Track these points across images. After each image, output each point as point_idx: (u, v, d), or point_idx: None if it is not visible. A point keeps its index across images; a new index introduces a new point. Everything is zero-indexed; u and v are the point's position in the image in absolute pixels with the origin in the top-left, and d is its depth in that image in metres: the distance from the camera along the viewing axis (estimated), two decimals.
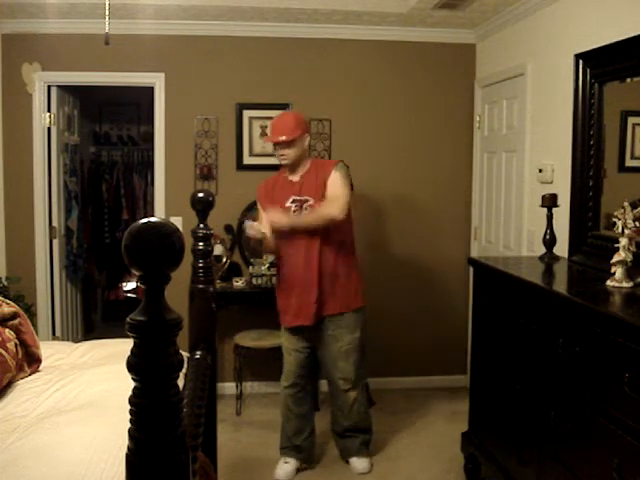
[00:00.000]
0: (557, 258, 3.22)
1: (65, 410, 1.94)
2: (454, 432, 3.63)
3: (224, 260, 4.50)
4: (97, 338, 3.01)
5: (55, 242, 4.67)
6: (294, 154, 3.33)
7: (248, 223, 3.36)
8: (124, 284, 6.91)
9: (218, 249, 4.37)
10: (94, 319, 6.40)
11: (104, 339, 2.90)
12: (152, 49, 4.47)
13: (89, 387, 2.13)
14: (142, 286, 1.05)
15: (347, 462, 3.60)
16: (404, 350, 4.79)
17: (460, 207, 4.81)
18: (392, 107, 4.71)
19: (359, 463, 3.54)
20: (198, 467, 1.75)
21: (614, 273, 2.49)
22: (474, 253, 4.70)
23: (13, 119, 4.44)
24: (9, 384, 2.18)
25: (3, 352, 2.13)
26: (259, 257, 4.50)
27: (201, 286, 2.48)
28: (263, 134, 4.59)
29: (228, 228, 4.60)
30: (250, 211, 4.51)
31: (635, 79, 2.83)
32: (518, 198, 4.02)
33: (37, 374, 2.33)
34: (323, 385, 4.20)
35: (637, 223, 2.45)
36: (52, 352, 2.58)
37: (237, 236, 4.63)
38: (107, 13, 2.91)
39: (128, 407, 1.07)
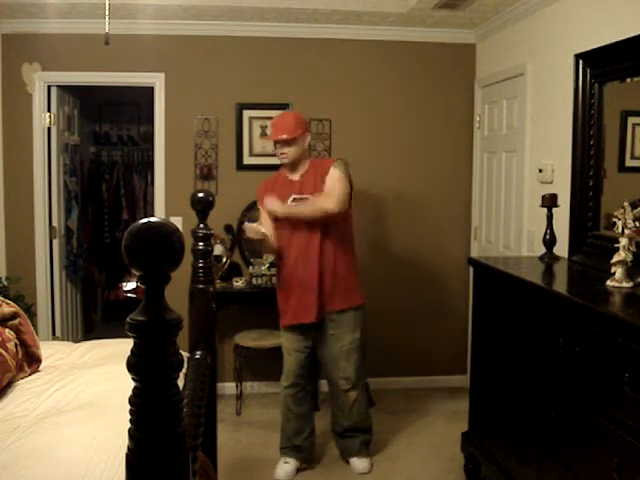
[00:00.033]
0: (557, 258, 3.22)
1: (65, 410, 1.94)
2: (454, 432, 3.63)
3: (224, 260, 4.50)
4: (97, 338, 3.02)
5: (55, 242, 4.67)
6: (294, 153, 3.34)
7: (247, 225, 3.38)
8: (124, 284, 6.91)
9: (218, 249, 4.37)
10: (94, 319, 6.40)
11: (104, 339, 2.90)
12: (152, 49, 4.47)
13: (89, 387, 2.13)
14: (142, 286, 1.05)
15: (347, 462, 3.60)
16: (404, 350, 4.79)
17: (460, 207, 4.81)
18: (392, 107, 4.71)
19: (359, 463, 3.54)
20: (198, 467, 1.75)
21: (614, 273, 2.49)
22: (474, 253, 4.70)
23: (13, 119, 4.44)
24: (9, 384, 2.18)
25: (3, 352, 2.13)
26: (259, 257, 4.50)
27: (201, 286, 2.48)
28: (263, 134, 4.60)
29: (228, 228, 4.60)
30: (250, 211, 4.51)
31: (635, 79, 2.83)
32: (518, 198, 4.02)
33: (37, 374, 2.33)
34: (323, 385, 4.20)
35: (637, 223, 2.45)
36: (52, 352, 2.58)
37: (237, 236, 4.63)
38: (107, 13, 2.91)
39: (128, 407, 1.07)
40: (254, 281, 4.43)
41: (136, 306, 1.07)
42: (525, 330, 2.71)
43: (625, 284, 2.45)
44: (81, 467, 1.56)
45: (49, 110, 4.53)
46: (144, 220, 1.05)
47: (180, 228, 1.08)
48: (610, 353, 2.10)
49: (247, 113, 4.60)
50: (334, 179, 3.30)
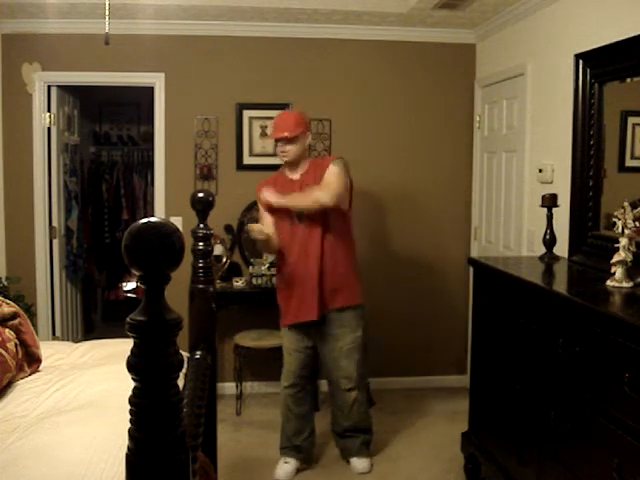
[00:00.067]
0: (557, 258, 3.22)
1: (65, 410, 1.94)
2: (454, 432, 3.63)
3: (224, 260, 4.50)
4: (97, 338, 3.01)
5: (55, 242, 4.67)
6: (295, 151, 3.35)
7: (251, 225, 3.39)
8: (124, 284, 6.91)
9: (218, 249, 4.37)
10: (94, 319, 6.40)
11: (104, 339, 2.90)
12: (152, 49, 4.47)
13: (89, 387, 2.13)
14: (142, 286, 1.05)
15: (348, 462, 3.60)
16: (404, 350, 4.79)
17: (460, 207, 4.81)
18: (392, 107, 4.71)
19: (359, 463, 3.54)
20: (198, 467, 1.75)
21: (614, 273, 2.49)
22: (474, 253, 4.70)
23: (13, 119, 4.44)
24: (9, 384, 2.18)
25: (3, 352, 2.13)
26: (259, 257, 4.50)
27: (201, 286, 2.48)
28: (263, 134, 4.60)
29: (228, 228, 4.60)
30: (250, 211, 4.52)
31: (635, 79, 2.83)
32: (518, 198, 4.02)
33: (37, 374, 2.33)
34: (323, 385, 4.20)
35: (637, 223, 2.45)
36: (52, 352, 2.58)
37: (237, 236, 4.63)
38: (107, 13, 2.91)
39: (128, 407, 1.07)
40: (254, 281, 4.43)
41: (136, 306, 1.07)
42: (525, 330, 2.71)
43: (625, 284, 2.45)
44: (81, 467, 1.56)
45: (49, 110, 4.53)
46: (144, 220, 1.05)
47: (180, 228, 1.08)
48: (610, 353, 2.10)
49: (247, 113, 4.60)
50: (331, 174, 3.31)
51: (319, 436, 3.74)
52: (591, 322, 2.22)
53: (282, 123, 3.37)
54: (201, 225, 2.43)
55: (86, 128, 6.31)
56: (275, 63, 4.59)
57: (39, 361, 2.39)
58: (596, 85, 3.06)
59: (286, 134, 3.31)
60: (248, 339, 4.36)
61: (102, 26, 2.96)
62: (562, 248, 3.24)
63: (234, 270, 4.57)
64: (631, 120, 2.99)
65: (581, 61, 3.14)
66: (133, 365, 1.05)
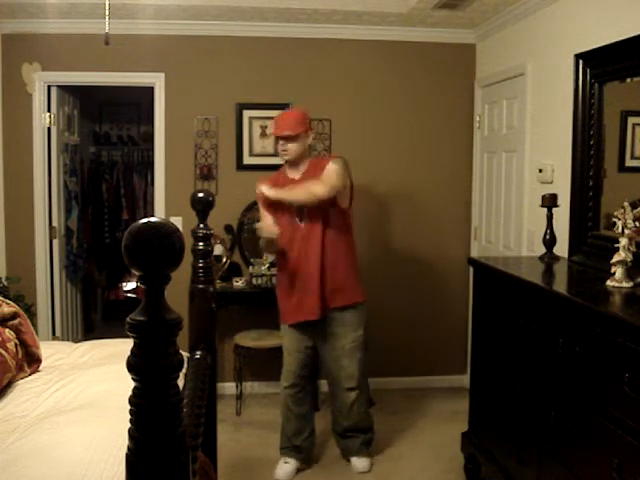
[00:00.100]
0: (557, 258, 3.22)
1: (65, 410, 1.94)
2: (454, 432, 3.63)
3: (224, 260, 4.50)
4: (97, 338, 3.01)
5: (55, 242, 4.67)
6: (296, 150, 3.35)
7: (261, 224, 3.35)
8: (124, 284, 6.91)
9: (218, 249, 4.37)
10: (94, 319, 6.40)
11: (104, 339, 2.90)
12: (152, 49, 4.47)
13: (89, 387, 2.13)
14: (142, 286, 1.05)
15: (348, 461, 3.60)
16: (404, 350, 4.79)
17: (460, 207, 4.81)
18: (392, 107, 4.71)
19: (359, 462, 3.55)
20: (198, 467, 1.75)
21: (614, 273, 2.49)
22: (474, 253, 4.70)
23: (13, 119, 4.44)
24: (9, 384, 2.18)
25: (3, 352, 2.13)
26: (259, 257, 4.50)
27: (201, 286, 2.47)
28: (263, 134, 4.60)
29: (228, 228, 4.60)
30: (250, 211, 4.52)
31: (635, 79, 2.83)
32: (518, 198, 4.02)
33: (37, 374, 2.33)
34: (323, 385, 4.20)
35: (637, 223, 2.45)
36: (52, 352, 2.58)
37: (237, 236, 4.63)
38: (107, 13, 2.91)
39: (128, 407, 1.07)
40: (254, 281, 4.43)
41: (136, 306, 1.07)
42: (525, 330, 2.71)
43: (625, 284, 2.45)
44: (81, 467, 1.56)
45: (49, 110, 4.53)
46: (144, 220, 1.05)
47: (180, 228, 1.08)
48: (610, 353, 2.10)
49: (247, 113, 4.60)
50: (329, 170, 3.30)
51: (319, 436, 3.74)
52: (591, 322, 2.22)
53: (284, 121, 3.37)
54: (201, 225, 2.43)
55: (86, 128, 6.31)
56: (275, 63, 4.59)
57: (39, 361, 2.39)
58: (596, 85, 3.06)
59: (288, 132, 3.31)
60: (248, 339, 4.36)
61: (102, 26, 2.96)
62: (562, 248, 3.24)
63: (234, 270, 4.57)
64: (631, 120, 2.99)
65: (581, 61, 3.14)
66: (133, 365, 1.05)
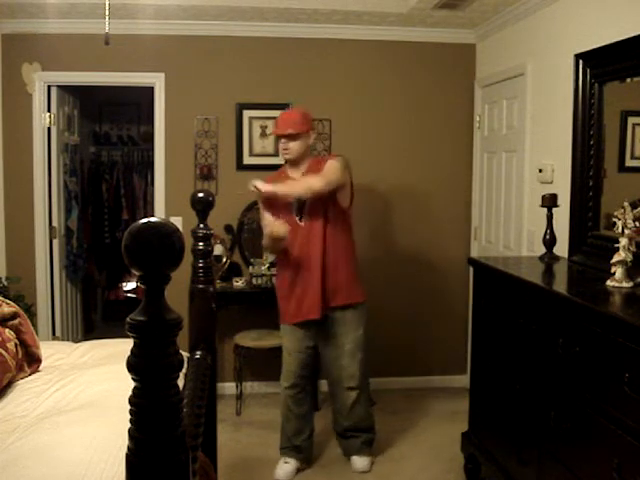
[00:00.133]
0: (557, 258, 3.22)
1: (65, 410, 1.94)
2: (454, 432, 3.63)
3: (224, 260, 4.50)
4: (97, 338, 3.01)
5: (55, 242, 4.67)
6: (298, 149, 3.34)
7: (272, 224, 3.26)
8: (124, 284, 6.91)
9: (218, 249, 4.37)
10: (94, 319, 6.40)
11: (104, 339, 2.90)
12: (152, 49, 4.47)
13: (89, 387, 2.13)
14: (142, 286, 1.05)
15: (350, 459, 3.60)
16: (404, 350, 4.79)
17: (460, 207, 4.81)
18: (392, 107, 4.71)
19: (360, 462, 3.55)
20: (198, 467, 1.75)
21: (614, 273, 2.49)
22: (474, 253, 4.70)
23: (13, 119, 4.44)
24: (9, 384, 2.18)
25: (3, 352, 2.13)
26: (259, 257, 4.50)
27: (201, 286, 2.47)
28: (263, 134, 4.60)
29: (228, 228, 4.60)
30: (250, 211, 4.52)
31: (635, 79, 2.83)
32: (518, 198, 4.02)
33: (37, 374, 2.33)
34: (323, 385, 4.20)
35: (637, 223, 2.45)
36: (52, 352, 2.58)
37: (237, 236, 4.63)
38: (107, 13, 2.91)
39: (128, 407, 1.07)
40: (254, 281, 4.43)
41: (136, 306, 1.07)
42: (525, 330, 2.71)
43: (625, 284, 2.45)
44: (81, 467, 1.56)
45: (49, 110, 4.53)
46: (144, 220, 1.05)
47: (180, 228, 1.08)
48: (610, 353, 2.10)
49: (247, 113, 4.60)
50: (329, 165, 3.30)
51: (319, 436, 3.74)
52: (591, 322, 2.22)
53: (286, 120, 3.37)
54: (201, 225, 2.43)
55: (86, 128, 6.31)
56: (275, 63, 4.59)
57: (39, 361, 2.39)
58: (596, 85, 3.06)
59: (290, 131, 3.30)
60: (248, 339, 4.36)
61: (102, 26, 2.96)
62: (562, 248, 3.24)
63: (234, 270, 4.57)
64: (631, 120, 2.99)
65: (581, 61, 3.14)
66: (133, 365, 1.05)
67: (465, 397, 3.60)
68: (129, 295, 6.91)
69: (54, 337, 4.61)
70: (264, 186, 3.22)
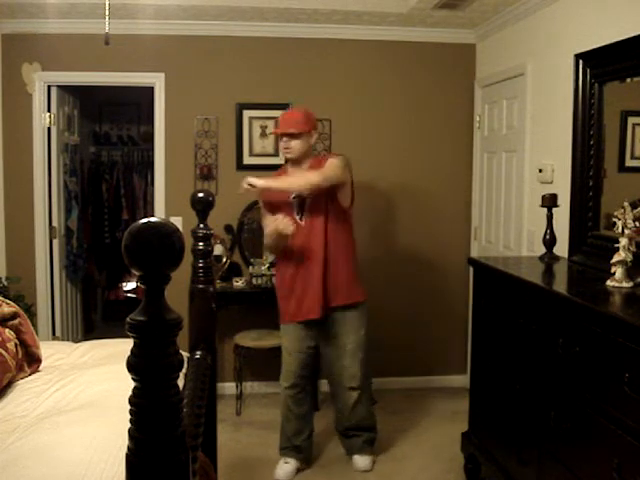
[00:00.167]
0: (557, 258, 3.22)
1: (65, 410, 1.94)
2: (454, 432, 3.63)
3: (224, 260, 4.50)
4: (97, 338, 3.01)
5: (55, 242, 4.67)
6: (299, 148, 3.33)
7: (279, 222, 3.24)
8: (124, 284, 6.91)
9: (218, 249, 4.37)
10: (94, 319, 6.40)
11: (104, 339, 2.90)
12: (152, 49, 4.47)
13: (89, 387, 2.13)
14: (142, 286, 1.05)
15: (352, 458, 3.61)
16: (404, 350, 4.79)
17: (460, 207, 4.81)
18: (392, 107, 4.71)
19: (361, 461, 3.55)
20: (198, 467, 1.75)
21: (614, 273, 2.49)
22: (474, 253, 4.70)
23: (13, 119, 4.44)
24: (9, 384, 2.18)
25: (3, 352, 2.13)
26: (259, 257, 4.51)
27: (201, 286, 2.47)
28: (263, 134, 4.60)
29: (228, 228, 4.60)
30: (250, 211, 4.52)
31: (635, 79, 2.83)
32: (518, 198, 4.02)
33: (37, 374, 2.33)
34: (323, 385, 4.20)
35: (637, 223, 2.45)
36: (52, 352, 2.58)
37: (237, 236, 4.63)
38: (107, 13, 2.91)
39: (128, 407, 1.07)
40: (254, 281, 4.43)
41: (136, 306, 1.07)
42: (525, 330, 2.71)
43: (625, 284, 2.45)
44: (81, 467, 1.56)
45: (49, 110, 4.53)
46: (144, 220, 1.05)
47: (180, 228, 1.08)
48: (610, 353, 2.10)
49: (247, 113, 4.60)
50: (329, 162, 3.30)
51: (319, 436, 3.74)
52: (591, 322, 2.22)
53: (288, 119, 3.36)
54: (201, 225, 2.43)
55: (86, 128, 6.31)
56: (275, 63, 4.59)
57: (39, 361, 2.39)
58: (596, 85, 3.06)
59: (291, 130, 3.30)
60: (248, 339, 4.36)
61: (102, 26, 2.96)
62: (562, 248, 3.24)
63: (234, 270, 4.57)
64: (631, 120, 2.98)
65: (581, 61, 3.14)
66: (133, 365, 1.05)
67: (465, 397, 3.60)
68: (129, 295, 6.91)
69: (54, 337, 4.61)
70: (258, 181, 3.20)
